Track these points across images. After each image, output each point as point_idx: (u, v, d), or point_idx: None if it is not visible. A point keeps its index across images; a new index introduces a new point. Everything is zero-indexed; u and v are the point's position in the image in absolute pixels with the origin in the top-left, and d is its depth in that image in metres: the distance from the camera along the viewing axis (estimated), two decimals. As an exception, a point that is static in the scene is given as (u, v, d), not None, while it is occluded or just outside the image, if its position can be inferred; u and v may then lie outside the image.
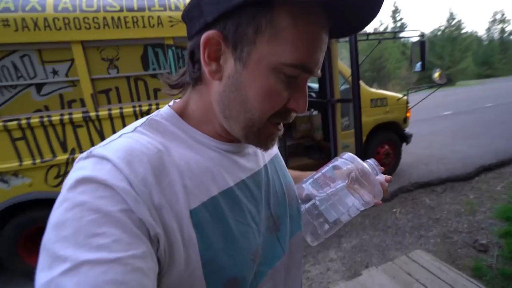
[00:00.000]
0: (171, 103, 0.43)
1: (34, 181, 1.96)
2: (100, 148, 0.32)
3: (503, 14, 51.36)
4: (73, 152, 2.03)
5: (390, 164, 3.54)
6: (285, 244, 0.46)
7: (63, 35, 1.90)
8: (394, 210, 2.86)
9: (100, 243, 0.25)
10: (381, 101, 3.29)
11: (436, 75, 3.45)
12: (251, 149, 0.46)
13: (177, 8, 2.15)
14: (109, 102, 2.10)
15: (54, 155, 1.99)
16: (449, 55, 34.83)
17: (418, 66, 3.05)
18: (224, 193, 0.38)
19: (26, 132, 1.91)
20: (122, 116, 2.11)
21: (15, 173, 1.92)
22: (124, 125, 2.13)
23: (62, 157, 2.00)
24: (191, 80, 0.40)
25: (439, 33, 37.35)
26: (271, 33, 0.32)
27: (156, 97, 2.21)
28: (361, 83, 3.18)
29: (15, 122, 1.87)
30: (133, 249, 0.27)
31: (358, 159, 0.50)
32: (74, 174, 0.30)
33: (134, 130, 0.36)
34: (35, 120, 1.91)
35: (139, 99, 2.17)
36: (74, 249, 0.25)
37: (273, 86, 0.34)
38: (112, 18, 2.00)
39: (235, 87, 0.35)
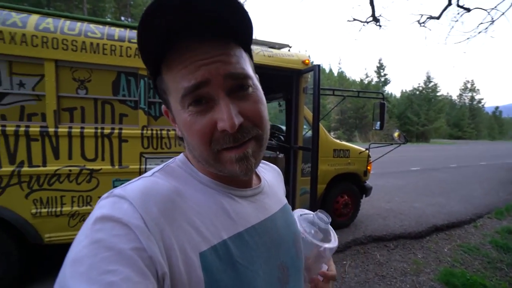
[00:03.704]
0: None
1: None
2: (120, 189, 0.36)
3: (472, 84, 57.00)
4: (21, 164, 1.98)
5: (348, 215, 3.63)
6: None
7: (38, 52, 1.96)
8: (344, 262, 2.88)
9: (111, 280, 0.27)
10: (343, 152, 3.48)
11: (395, 134, 3.74)
12: (261, 195, 0.49)
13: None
14: (71, 121, 2.12)
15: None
16: (425, 114, 37.70)
17: (377, 125, 3.32)
18: (234, 238, 0.39)
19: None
20: (82, 136, 2.12)
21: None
22: (83, 145, 2.15)
23: (7, 168, 1.94)
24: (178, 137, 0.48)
25: (417, 92, 40.74)
26: (166, 88, 0.40)
27: (121, 122, 2.25)
28: (326, 133, 3.38)
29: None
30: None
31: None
32: (95, 212, 0.33)
33: (152, 174, 0.41)
34: (-13, 128, 1.88)
35: (103, 122, 2.20)
36: (87, 285, 0.27)
37: (188, 118, 0.38)
38: (91, 44, 2.11)
39: (183, 136, 0.42)
